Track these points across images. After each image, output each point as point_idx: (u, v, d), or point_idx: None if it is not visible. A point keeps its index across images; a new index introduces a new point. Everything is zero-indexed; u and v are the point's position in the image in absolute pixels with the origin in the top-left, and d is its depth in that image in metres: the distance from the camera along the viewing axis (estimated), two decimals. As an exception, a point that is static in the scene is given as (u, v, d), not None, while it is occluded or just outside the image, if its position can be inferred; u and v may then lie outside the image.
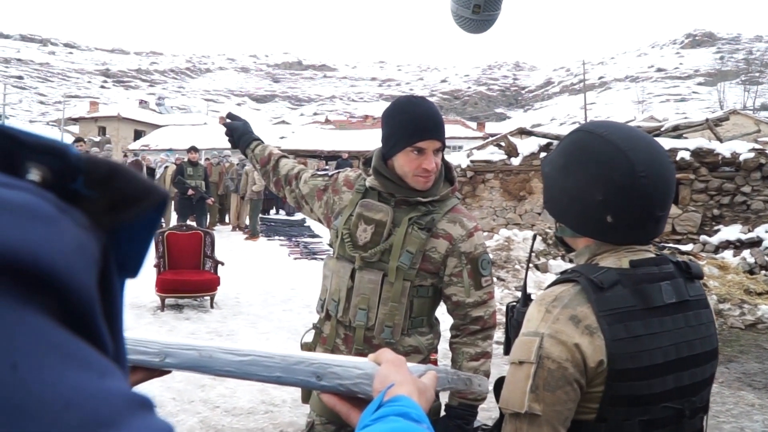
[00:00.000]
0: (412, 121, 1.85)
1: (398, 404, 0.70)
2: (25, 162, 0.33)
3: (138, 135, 44.45)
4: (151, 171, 15.78)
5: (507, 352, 1.38)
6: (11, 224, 0.29)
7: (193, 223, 10.42)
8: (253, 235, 12.99)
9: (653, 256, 1.25)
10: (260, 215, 13.72)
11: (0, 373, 0.27)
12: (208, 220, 12.67)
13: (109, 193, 0.36)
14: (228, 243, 11.63)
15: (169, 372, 0.87)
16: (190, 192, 11.25)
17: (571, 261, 8.45)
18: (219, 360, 0.82)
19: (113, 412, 0.30)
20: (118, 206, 0.37)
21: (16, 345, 0.28)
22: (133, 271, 0.39)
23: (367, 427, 0.66)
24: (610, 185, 1.19)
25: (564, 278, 1.22)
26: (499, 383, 1.27)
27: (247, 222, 13.36)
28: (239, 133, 2.29)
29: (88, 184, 0.35)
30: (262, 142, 2.29)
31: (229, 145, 2.37)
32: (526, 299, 1.44)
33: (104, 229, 0.36)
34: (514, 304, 1.47)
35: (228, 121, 2.34)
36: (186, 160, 11.98)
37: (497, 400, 1.25)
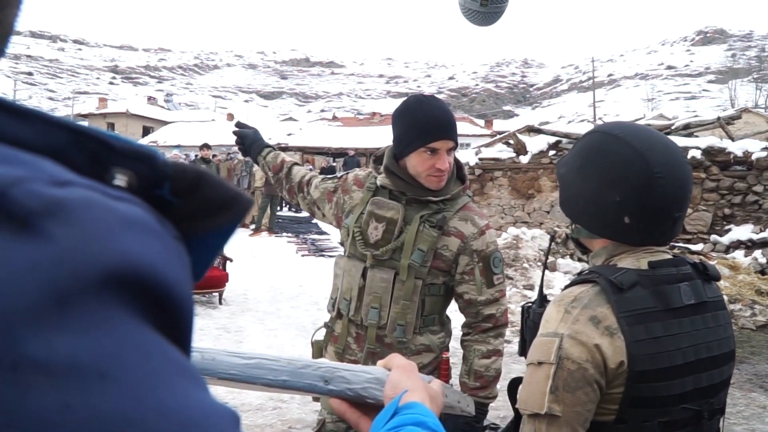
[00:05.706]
0: (424, 121, 1.84)
1: (413, 412, 0.68)
2: (111, 167, 0.33)
3: (146, 131, 44.66)
4: None
5: (522, 353, 1.37)
6: (135, 241, 0.29)
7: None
8: (257, 229, 13.04)
9: (671, 257, 1.24)
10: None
11: (139, 396, 0.26)
12: None
13: (195, 201, 0.35)
14: (236, 239, 11.66)
15: None
16: None
17: (580, 260, 8.40)
18: (222, 363, 0.79)
19: (229, 429, 0.30)
20: (203, 214, 0.36)
21: (150, 366, 0.27)
22: (198, 276, 0.38)
23: None
24: (626, 186, 1.18)
25: (582, 279, 1.21)
26: (514, 384, 1.26)
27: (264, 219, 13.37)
28: (250, 141, 2.30)
29: (174, 191, 0.35)
30: (274, 149, 2.29)
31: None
32: (543, 300, 1.43)
33: (185, 236, 0.35)
34: (530, 304, 1.46)
35: (237, 129, 2.34)
36: (199, 156, 12.12)
37: (511, 401, 1.24)
